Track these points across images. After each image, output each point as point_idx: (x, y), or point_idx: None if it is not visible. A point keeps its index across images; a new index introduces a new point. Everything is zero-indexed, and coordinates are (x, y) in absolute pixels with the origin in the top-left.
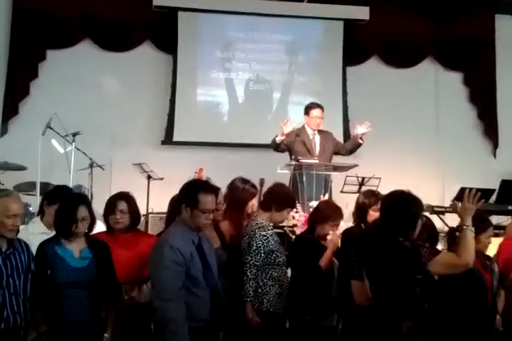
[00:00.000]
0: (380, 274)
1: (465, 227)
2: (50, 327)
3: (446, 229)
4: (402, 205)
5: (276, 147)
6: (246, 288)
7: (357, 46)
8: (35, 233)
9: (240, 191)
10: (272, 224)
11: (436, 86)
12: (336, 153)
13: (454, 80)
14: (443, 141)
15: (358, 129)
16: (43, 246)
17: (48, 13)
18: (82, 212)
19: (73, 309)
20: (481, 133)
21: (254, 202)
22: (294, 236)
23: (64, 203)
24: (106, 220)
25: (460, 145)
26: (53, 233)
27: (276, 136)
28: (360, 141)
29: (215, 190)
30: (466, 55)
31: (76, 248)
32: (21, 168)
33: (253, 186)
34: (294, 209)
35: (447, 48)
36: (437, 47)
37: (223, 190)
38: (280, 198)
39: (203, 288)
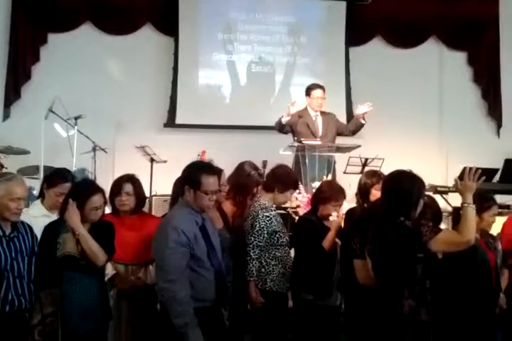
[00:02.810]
0: (381, 253)
1: (466, 205)
2: (55, 308)
3: (449, 208)
4: (403, 184)
5: (281, 128)
6: (249, 268)
7: (360, 26)
8: (36, 216)
9: (245, 176)
10: (275, 205)
11: (440, 66)
12: (340, 134)
13: (457, 60)
14: (447, 121)
15: (360, 108)
16: (49, 228)
17: None
18: (98, 201)
19: (77, 290)
20: (485, 113)
21: (258, 189)
22: (297, 217)
23: (78, 191)
24: (112, 202)
25: (464, 125)
26: (54, 215)
27: (282, 116)
28: (363, 121)
29: (217, 172)
30: (470, 34)
31: None
32: (24, 152)
33: (260, 175)
34: (297, 191)
35: (451, 28)
36: (441, 26)
37: (226, 171)
38: (283, 179)
39: (207, 268)
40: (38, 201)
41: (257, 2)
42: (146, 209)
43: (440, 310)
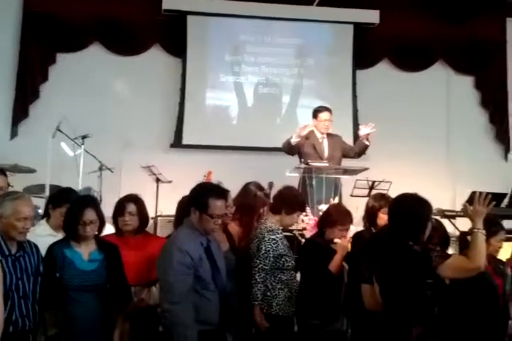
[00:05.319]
0: (389, 278)
1: (476, 230)
2: (59, 330)
3: (457, 233)
4: (410, 208)
5: (289, 149)
6: (254, 292)
7: (367, 49)
8: (42, 235)
9: (251, 196)
10: (281, 227)
11: (447, 90)
12: (345, 156)
13: (465, 84)
14: (454, 144)
15: (362, 130)
16: (53, 248)
17: (58, 17)
18: (90, 215)
19: (82, 312)
20: (493, 137)
21: (264, 209)
22: (303, 240)
23: (72, 206)
24: (115, 222)
25: (471, 149)
26: (60, 235)
27: (291, 137)
28: (367, 143)
29: (225, 195)
30: (477, 58)
31: (85, 250)
32: (31, 171)
33: (266, 195)
34: (304, 213)
35: (458, 52)
36: (448, 50)
37: (233, 193)
38: (290, 201)
39: (212, 291)
40: (44, 221)
41: (265, 25)
42: (151, 229)
43: (448, 338)
